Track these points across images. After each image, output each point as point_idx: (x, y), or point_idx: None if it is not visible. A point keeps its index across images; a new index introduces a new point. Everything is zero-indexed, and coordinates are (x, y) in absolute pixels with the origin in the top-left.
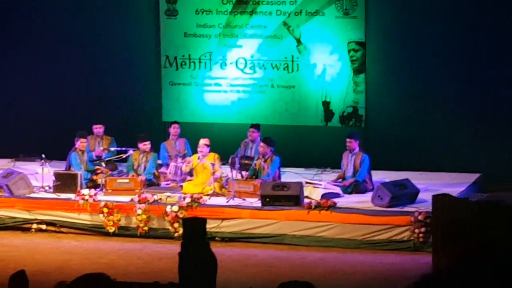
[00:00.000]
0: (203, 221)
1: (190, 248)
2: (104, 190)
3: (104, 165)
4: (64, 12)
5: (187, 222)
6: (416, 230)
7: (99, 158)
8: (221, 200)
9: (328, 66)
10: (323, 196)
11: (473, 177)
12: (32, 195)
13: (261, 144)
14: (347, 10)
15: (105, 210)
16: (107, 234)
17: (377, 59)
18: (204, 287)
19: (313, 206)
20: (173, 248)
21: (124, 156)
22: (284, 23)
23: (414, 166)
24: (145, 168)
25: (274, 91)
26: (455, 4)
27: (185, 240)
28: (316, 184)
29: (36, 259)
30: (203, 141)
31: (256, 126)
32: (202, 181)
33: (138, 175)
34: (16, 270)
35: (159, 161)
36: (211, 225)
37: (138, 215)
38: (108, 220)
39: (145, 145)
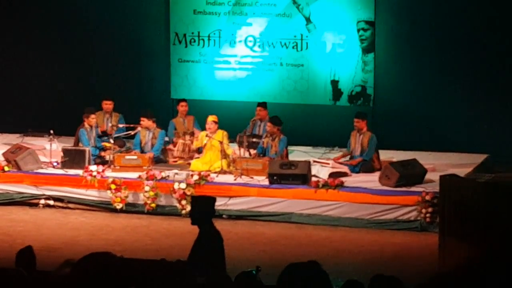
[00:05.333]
0: (212, 199)
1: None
2: (112, 166)
3: (112, 141)
4: None
5: (196, 200)
6: (423, 210)
7: (106, 133)
8: (228, 178)
9: (337, 45)
10: (331, 175)
11: (480, 157)
12: (40, 170)
13: (268, 123)
14: None
15: (113, 186)
16: (115, 210)
17: (386, 39)
18: (211, 265)
19: (320, 185)
20: (180, 225)
21: (132, 133)
22: (294, 2)
23: (422, 146)
24: (152, 145)
25: (283, 69)
26: None
27: (192, 219)
28: (324, 163)
29: (43, 235)
30: (211, 118)
31: (263, 105)
32: (210, 158)
33: (145, 152)
34: (23, 245)
35: (166, 138)
36: (218, 203)
37: (146, 192)
38: (116, 197)
39: (142, 121)
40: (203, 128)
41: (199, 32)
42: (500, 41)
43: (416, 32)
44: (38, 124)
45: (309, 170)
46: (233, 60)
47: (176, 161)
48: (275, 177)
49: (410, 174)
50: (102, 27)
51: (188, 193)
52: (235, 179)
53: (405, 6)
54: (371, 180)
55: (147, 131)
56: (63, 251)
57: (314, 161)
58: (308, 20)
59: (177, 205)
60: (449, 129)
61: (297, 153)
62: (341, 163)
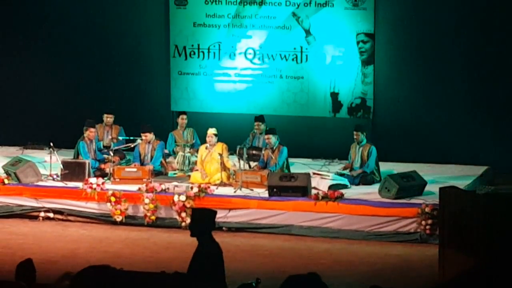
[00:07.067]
0: (213, 213)
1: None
2: (112, 179)
3: (112, 154)
4: (73, 1)
5: (196, 212)
6: (423, 222)
7: (107, 147)
8: (228, 190)
9: (337, 57)
10: (331, 187)
11: (480, 169)
12: (40, 183)
13: (267, 136)
14: (356, 2)
15: (113, 199)
16: (115, 223)
17: (385, 51)
18: (211, 277)
19: (320, 197)
20: (180, 237)
21: (132, 146)
22: (293, 14)
23: (421, 158)
24: (152, 157)
25: (283, 81)
26: None
27: (191, 231)
28: (324, 175)
29: (43, 247)
30: (211, 131)
31: (260, 119)
32: (210, 171)
33: (145, 164)
34: (23, 258)
35: (166, 150)
36: (218, 215)
37: (146, 204)
38: (116, 209)
39: (145, 136)
40: (202, 140)
41: (199, 45)
42: (500, 53)
43: (415, 44)
44: (38, 137)
45: (309, 182)
46: (233, 73)
47: (176, 174)
48: (274, 189)
49: (409, 186)
50: (102, 39)
51: (188, 205)
52: (235, 192)
53: (405, 18)
54: (371, 192)
55: (146, 143)
56: (62, 264)
57: (314, 173)
58: (307, 32)
59: (177, 217)
60: (449, 141)
61: (297, 165)
62: (341, 175)
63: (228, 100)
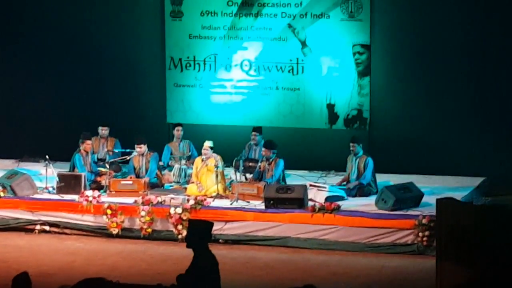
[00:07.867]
0: (209, 224)
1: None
2: (107, 191)
3: (107, 166)
4: (68, 12)
5: (193, 224)
6: (420, 234)
7: (102, 159)
8: (225, 202)
9: (333, 69)
10: (327, 199)
11: (477, 180)
12: (36, 196)
13: (263, 148)
14: (352, 13)
15: (109, 211)
16: (111, 235)
17: (382, 62)
18: None
19: (317, 209)
20: (177, 250)
21: (128, 158)
22: (289, 26)
23: (418, 169)
24: (147, 170)
25: (279, 93)
26: (460, 6)
27: (187, 242)
28: (320, 186)
29: (39, 260)
30: (207, 144)
31: (257, 130)
32: (206, 183)
33: (140, 177)
34: (19, 271)
35: (161, 163)
36: (214, 227)
37: (142, 216)
38: (112, 222)
39: (139, 147)
40: (199, 152)
41: (194, 57)
42: (497, 65)
43: (411, 55)
44: (34, 150)
45: (306, 194)
46: (228, 84)
47: (172, 186)
48: (271, 201)
49: (406, 197)
50: (97, 52)
51: (184, 217)
52: (231, 204)
53: (401, 29)
54: (367, 203)
55: (140, 156)
56: (58, 277)
57: (311, 185)
58: (303, 44)
59: (173, 230)
60: (445, 152)
61: (293, 177)
62: (337, 188)
63: (224, 112)
